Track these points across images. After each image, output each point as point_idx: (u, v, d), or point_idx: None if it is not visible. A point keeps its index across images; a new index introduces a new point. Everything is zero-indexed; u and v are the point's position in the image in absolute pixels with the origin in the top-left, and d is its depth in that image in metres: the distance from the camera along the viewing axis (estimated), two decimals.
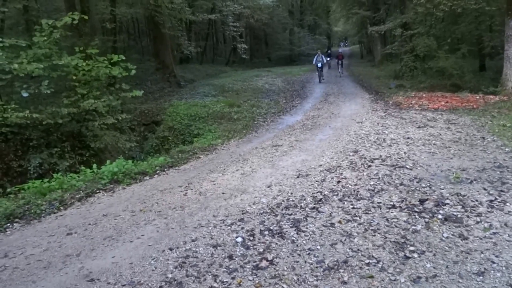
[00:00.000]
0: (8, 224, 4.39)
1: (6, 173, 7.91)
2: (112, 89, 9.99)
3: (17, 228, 4.30)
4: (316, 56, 19.12)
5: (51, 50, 8.36)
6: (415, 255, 2.92)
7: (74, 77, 8.75)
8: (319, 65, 18.74)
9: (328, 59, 25.02)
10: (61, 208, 4.88)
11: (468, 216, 3.49)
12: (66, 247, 3.59)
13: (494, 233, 3.14)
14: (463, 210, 3.63)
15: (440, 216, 3.52)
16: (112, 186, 5.65)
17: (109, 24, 15.03)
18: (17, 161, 8.10)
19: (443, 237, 3.15)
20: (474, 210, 3.60)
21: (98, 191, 5.44)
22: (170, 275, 2.91)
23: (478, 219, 3.42)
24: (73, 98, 8.75)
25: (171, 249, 3.32)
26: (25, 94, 8.00)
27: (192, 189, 5.05)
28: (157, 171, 6.34)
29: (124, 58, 9.15)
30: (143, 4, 16.42)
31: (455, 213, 3.56)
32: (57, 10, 18.32)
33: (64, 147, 8.71)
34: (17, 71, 7.55)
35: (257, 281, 2.76)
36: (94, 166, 6.40)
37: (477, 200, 3.81)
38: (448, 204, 3.79)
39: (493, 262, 2.74)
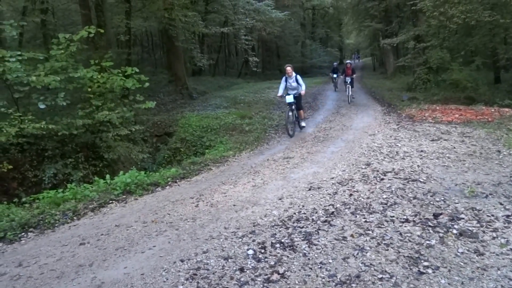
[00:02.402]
0: (23, 233, 4.46)
1: (21, 183, 8.07)
2: (125, 101, 10.17)
3: (31, 238, 4.36)
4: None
5: (67, 63, 8.59)
6: (430, 270, 2.86)
7: (89, 89, 8.95)
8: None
9: (335, 76, 19.20)
10: (75, 218, 4.95)
11: (484, 231, 3.41)
12: (79, 257, 3.63)
13: (511, 249, 3.06)
14: (478, 225, 3.55)
15: (455, 231, 3.45)
16: (124, 196, 5.71)
17: (124, 36, 15.38)
18: (33, 171, 8.26)
19: (458, 252, 3.09)
20: (490, 225, 3.52)
21: (110, 201, 5.50)
22: (181, 287, 2.91)
23: (494, 234, 3.34)
24: (88, 109, 8.94)
25: (182, 261, 3.32)
26: (42, 106, 8.20)
27: (203, 201, 5.06)
28: (169, 183, 6.38)
29: (137, 70, 9.33)
30: (157, 17, 16.82)
31: (470, 228, 3.49)
32: (73, 24, 18.89)
33: (78, 158, 8.86)
34: (34, 83, 7.77)
35: None
36: (107, 176, 6.48)
37: (493, 215, 3.73)
38: (463, 218, 3.71)
39: (510, 279, 2.66)
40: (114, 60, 10.18)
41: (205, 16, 21.03)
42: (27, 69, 7.92)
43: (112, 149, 9.42)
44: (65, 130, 8.36)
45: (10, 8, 16.99)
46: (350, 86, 14.74)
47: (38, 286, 3.12)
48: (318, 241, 3.49)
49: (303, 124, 10.08)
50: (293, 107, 9.41)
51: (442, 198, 4.30)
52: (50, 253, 3.79)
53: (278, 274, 2.98)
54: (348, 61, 17.89)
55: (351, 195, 4.70)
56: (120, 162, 9.75)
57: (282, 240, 3.57)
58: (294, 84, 9.50)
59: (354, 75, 15.23)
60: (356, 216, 4.01)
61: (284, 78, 9.64)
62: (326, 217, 4.06)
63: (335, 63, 23.11)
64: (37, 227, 4.64)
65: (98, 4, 13.18)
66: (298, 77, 9.50)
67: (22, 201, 6.00)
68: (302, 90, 9.37)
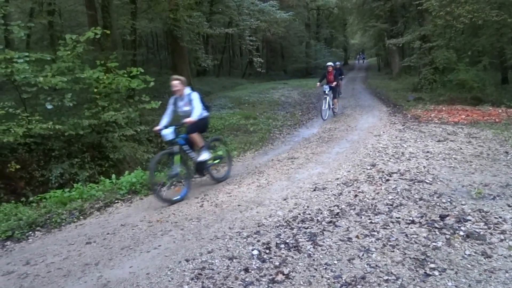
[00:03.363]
0: (30, 232, 4.50)
1: (29, 183, 8.13)
2: (131, 101, 10.21)
3: (39, 236, 4.41)
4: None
5: (74, 64, 8.64)
6: (436, 272, 2.83)
7: (95, 90, 8.99)
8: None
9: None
10: (81, 217, 4.99)
11: (491, 234, 3.38)
12: (85, 256, 3.65)
13: None
14: (486, 227, 3.52)
15: (461, 233, 3.42)
16: (130, 196, 5.74)
17: (129, 37, 15.48)
18: (40, 171, 8.32)
19: (465, 254, 3.06)
20: (497, 227, 3.48)
21: (116, 201, 5.53)
22: (186, 287, 2.92)
23: (502, 236, 3.31)
24: (94, 110, 8.98)
25: (187, 260, 3.33)
26: (49, 106, 8.26)
27: (208, 201, 5.08)
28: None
29: (143, 71, 9.34)
30: (162, 18, 16.88)
31: (477, 230, 3.45)
32: (80, 25, 19.04)
33: (85, 158, 8.91)
34: (42, 84, 7.83)
35: None
36: (113, 176, 6.51)
37: (500, 217, 3.69)
38: (470, 220, 3.68)
39: None
40: (119, 61, 10.23)
41: (209, 17, 21.09)
42: (34, 70, 7.98)
43: (118, 149, 9.46)
44: (71, 130, 8.41)
45: (18, 10, 17.18)
46: (328, 97, 11.44)
47: (45, 285, 3.15)
48: (323, 242, 3.48)
49: (216, 173, 6.33)
50: (176, 148, 5.43)
51: (449, 200, 4.26)
52: (57, 252, 3.82)
53: (283, 274, 2.97)
54: (329, 63, 12.61)
55: (356, 196, 4.68)
56: (125, 162, 9.79)
57: (287, 241, 3.57)
58: (187, 108, 5.61)
59: (335, 83, 11.65)
60: (361, 217, 3.99)
61: (172, 100, 5.82)
62: (331, 218, 4.05)
63: (338, 64, 18.53)
64: (44, 226, 4.69)
65: (104, 5, 13.27)
66: (194, 96, 5.62)
67: (29, 200, 6.06)
68: (192, 117, 5.35)
